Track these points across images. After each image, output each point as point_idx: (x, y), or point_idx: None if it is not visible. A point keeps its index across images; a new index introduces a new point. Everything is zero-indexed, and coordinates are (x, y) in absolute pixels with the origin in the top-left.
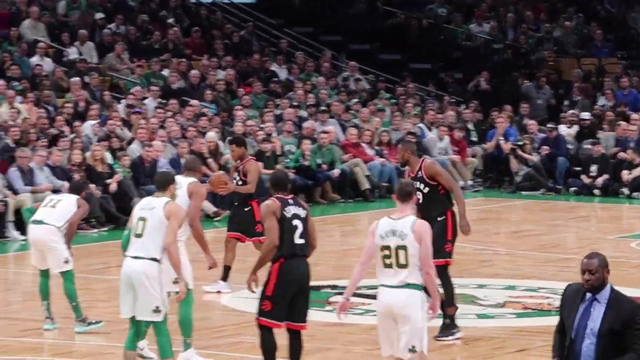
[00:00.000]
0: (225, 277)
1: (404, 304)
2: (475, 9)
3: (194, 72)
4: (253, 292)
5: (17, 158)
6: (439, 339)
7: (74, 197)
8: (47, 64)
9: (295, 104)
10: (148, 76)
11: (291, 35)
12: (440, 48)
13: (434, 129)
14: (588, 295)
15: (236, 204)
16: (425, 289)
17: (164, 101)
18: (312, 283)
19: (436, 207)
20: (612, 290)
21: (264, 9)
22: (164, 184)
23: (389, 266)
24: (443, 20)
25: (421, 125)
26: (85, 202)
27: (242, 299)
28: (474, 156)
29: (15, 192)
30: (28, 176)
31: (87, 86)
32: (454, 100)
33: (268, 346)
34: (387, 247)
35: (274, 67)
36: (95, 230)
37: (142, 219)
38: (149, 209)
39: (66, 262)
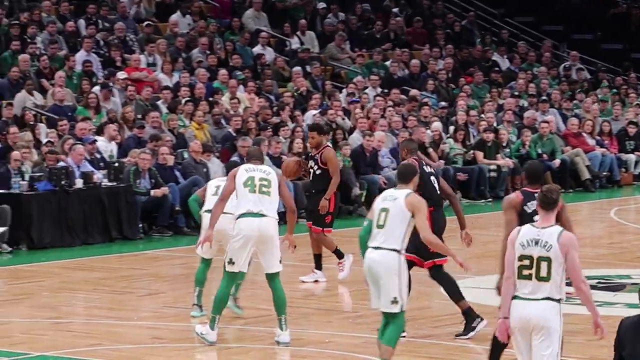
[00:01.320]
0: (318, 266)
1: (543, 316)
2: None
3: (414, 61)
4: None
5: (238, 147)
6: (459, 337)
7: None
8: (269, 54)
9: (516, 93)
10: (369, 66)
11: (513, 25)
12: None
13: None
14: None
15: (313, 191)
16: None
17: (386, 90)
18: None
19: None
20: None
21: None
22: (407, 175)
23: (528, 277)
24: None
25: None
26: None
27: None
28: None
29: None
30: None
31: (309, 75)
32: None
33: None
34: (529, 257)
35: (495, 57)
36: None
37: (384, 209)
38: (391, 200)
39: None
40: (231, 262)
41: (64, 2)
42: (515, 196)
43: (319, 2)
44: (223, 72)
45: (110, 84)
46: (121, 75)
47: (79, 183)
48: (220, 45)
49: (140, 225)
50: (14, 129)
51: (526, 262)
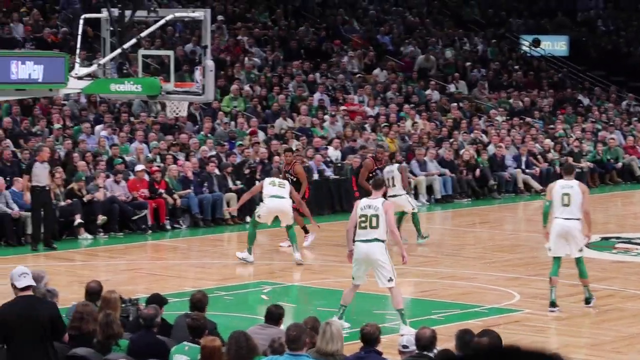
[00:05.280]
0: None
1: (374, 251)
2: None
3: (527, 99)
4: None
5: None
6: None
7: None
8: (435, 95)
9: (593, 120)
10: (500, 102)
11: (590, 77)
12: None
13: None
14: None
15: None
16: None
17: (509, 117)
18: None
19: None
20: None
21: None
22: (570, 170)
23: (365, 228)
24: None
25: None
26: None
27: None
28: None
29: None
30: None
31: (461, 109)
32: None
33: None
34: (365, 216)
35: (580, 97)
36: None
37: (566, 194)
38: (569, 188)
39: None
40: (259, 217)
41: (306, 62)
42: None
43: (467, 63)
44: (406, 106)
45: (334, 113)
46: (342, 108)
47: (315, 176)
48: (404, 89)
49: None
50: (275, 142)
51: (363, 218)
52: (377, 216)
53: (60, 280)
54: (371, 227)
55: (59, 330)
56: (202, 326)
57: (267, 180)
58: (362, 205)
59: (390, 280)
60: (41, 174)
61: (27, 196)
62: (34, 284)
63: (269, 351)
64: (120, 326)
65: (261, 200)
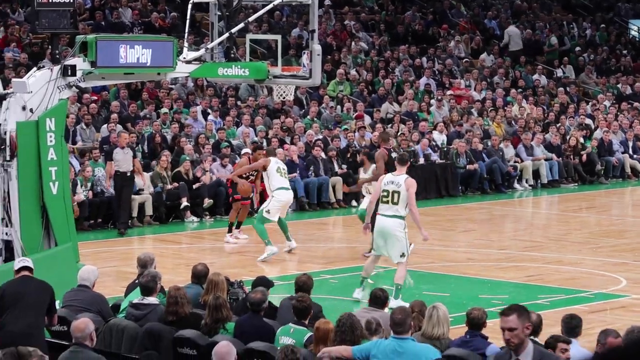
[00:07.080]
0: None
1: (391, 226)
2: None
3: (637, 84)
4: None
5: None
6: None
7: None
8: (543, 79)
9: None
10: (608, 87)
11: None
12: None
13: None
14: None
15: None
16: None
17: (615, 103)
18: None
19: None
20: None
21: None
22: None
23: (386, 202)
24: None
25: None
26: None
27: None
28: None
29: None
30: None
31: (568, 93)
32: None
33: None
34: (387, 191)
35: None
36: None
37: None
38: None
39: None
40: (268, 212)
41: (413, 46)
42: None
43: (576, 48)
44: (513, 91)
45: (441, 98)
46: (449, 92)
47: (421, 160)
48: (511, 73)
49: (460, 188)
50: (379, 126)
51: (385, 193)
52: (398, 192)
53: (167, 263)
54: (392, 203)
55: (51, 310)
56: (308, 308)
57: (274, 164)
58: (385, 181)
59: (402, 255)
60: (122, 159)
61: (109, 182)
62: (29, 265)
63: (367, 333)
64: (229, 309)
65: (260, 190)
